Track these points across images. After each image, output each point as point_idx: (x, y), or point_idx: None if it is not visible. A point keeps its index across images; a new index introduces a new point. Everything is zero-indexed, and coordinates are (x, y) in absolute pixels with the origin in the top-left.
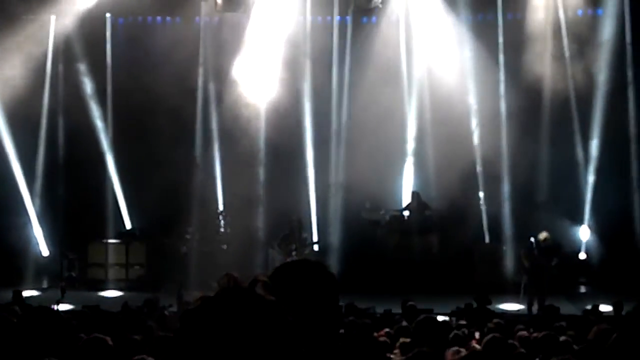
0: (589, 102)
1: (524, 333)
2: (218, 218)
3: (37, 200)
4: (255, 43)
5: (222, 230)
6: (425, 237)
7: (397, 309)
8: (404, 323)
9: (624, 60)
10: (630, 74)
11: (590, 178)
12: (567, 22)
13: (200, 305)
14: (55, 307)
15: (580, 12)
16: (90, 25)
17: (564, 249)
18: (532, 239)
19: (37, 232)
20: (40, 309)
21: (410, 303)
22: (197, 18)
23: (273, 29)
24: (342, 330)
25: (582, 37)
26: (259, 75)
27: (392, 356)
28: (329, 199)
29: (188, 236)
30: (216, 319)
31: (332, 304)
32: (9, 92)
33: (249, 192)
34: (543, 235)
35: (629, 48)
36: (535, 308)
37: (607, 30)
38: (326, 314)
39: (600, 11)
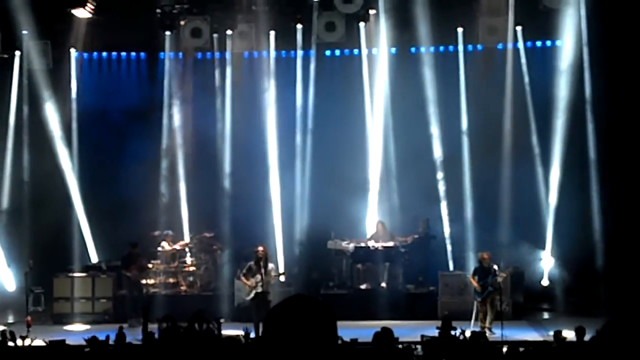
0: (549, 128)
1: None
2: (184, 250)
3: (2, 236)
4: (220, 77)
5: (187, 262)
6: (390, 266)
7: (363, 338)
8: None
9: (582, 87)
10: (588, 99)
11: (552, 203)
12: (526, 52)
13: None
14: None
15: (539, 42)
16: (55, 62)
17: (497, 269)
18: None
19: (3, 267)
20: None
21: (377, 331)
22: (161, 53)
23: (238, 63)
24: None
25: (540, 66)
26: (223, 109)
27: None
28: (295, 230)
29: (154, 269)
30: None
31: (329, 339)
32: None
33: (215, 224)
34: (483, 256)
35: (587, 75)
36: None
37: (565, 58)
38: (324, 350)
39: (558, 41)
